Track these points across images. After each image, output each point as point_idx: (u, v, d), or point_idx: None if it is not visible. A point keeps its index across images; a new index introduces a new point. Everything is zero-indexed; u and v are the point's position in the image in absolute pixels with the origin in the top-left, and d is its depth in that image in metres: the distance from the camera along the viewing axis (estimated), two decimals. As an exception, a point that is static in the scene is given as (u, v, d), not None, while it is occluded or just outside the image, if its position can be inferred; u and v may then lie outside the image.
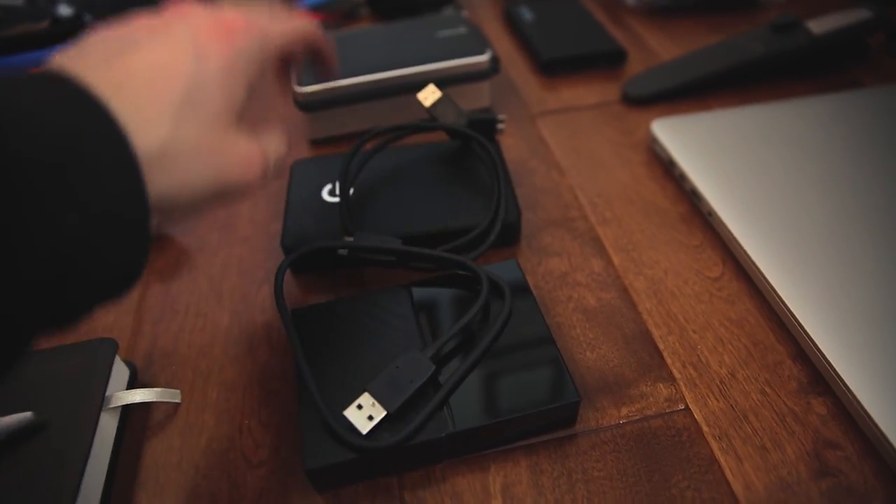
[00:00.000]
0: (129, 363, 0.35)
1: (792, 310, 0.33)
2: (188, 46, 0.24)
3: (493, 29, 0.64)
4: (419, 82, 0.46)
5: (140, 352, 0.36)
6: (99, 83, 0.21)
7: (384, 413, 0.28)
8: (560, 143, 0.48)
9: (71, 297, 0.20)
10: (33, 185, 0.18)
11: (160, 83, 0.23)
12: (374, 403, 0.28)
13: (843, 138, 0.43)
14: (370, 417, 0.27)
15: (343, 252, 0.35)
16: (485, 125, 0.43)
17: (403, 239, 0.36)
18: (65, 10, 0.64)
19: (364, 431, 0.27)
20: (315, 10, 0.69)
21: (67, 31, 0.61)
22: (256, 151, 0.27)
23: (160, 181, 0.22)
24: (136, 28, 0.25)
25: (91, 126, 0.20)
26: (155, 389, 0.32)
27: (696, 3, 0.63)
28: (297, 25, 0.31)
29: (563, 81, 0.55)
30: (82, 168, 0.19)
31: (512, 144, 0.48)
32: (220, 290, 0.39)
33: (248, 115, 0.27)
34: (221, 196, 0.26)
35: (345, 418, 0.28)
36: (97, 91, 0.21)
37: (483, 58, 0.48)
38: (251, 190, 0.27)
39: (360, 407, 0.28)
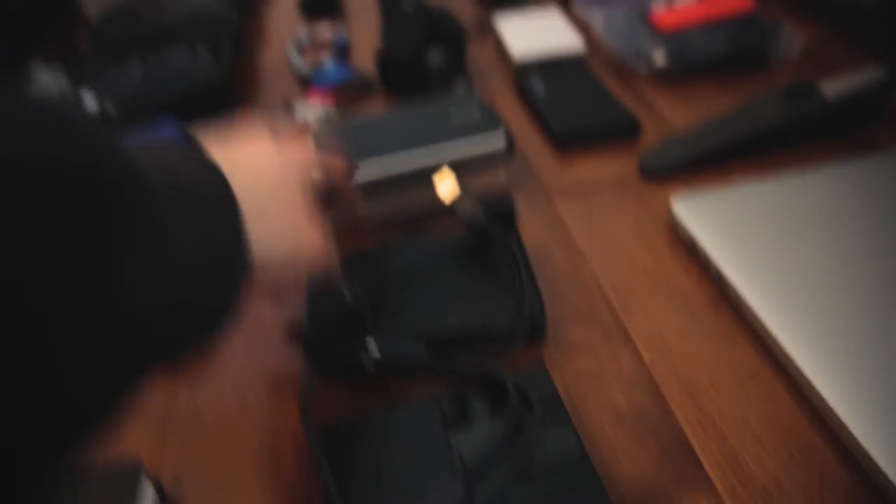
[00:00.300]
0: (155, 483, 0.34)
1: (834, 408, 0.32)
2: (272, 149, 0.33)
3: (506, 100, 0.64)
4: (437, 171, 0.47)
5: (167, 467, 0.36)
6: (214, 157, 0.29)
7: None
8: (579, 224, 0.47)
9: (181, 323, 0.24)
10: (164, 211, 0.23)
11: (257, 166, 0.32)
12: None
13: (870, 208, 0.43)
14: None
15: (369, 363, 0.35)
16: (504, 217, 0.42)
17: (428, 340, 0.36)
18: (88, 101, 0.66)
19: None
20: (331, 88, 0.70)
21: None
22: (323, 237, 0.34)
23: (256, 229, 0.29)
24: (231, 134, 0.33)
25: (210, 178, 0.28)
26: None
27: (706, 67, 0.63)
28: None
29: (579, 155, 0.55)
30: (198, 205, 0.25)
31: (531, 228, 0.48)
32: (246, 399, 0.39)
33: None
34: (298, 261, 0.33)
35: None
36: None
37: (499, 143, 0.48)
38: (321, 265, 0.34)
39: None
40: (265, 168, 0.32)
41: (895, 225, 0.41)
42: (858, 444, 0.30)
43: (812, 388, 0.33)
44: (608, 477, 0.32)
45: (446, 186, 0.42)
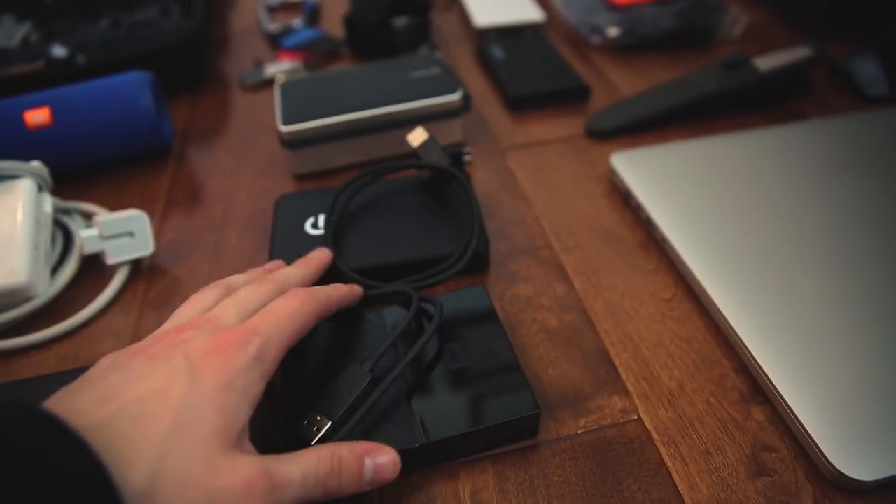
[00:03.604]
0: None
1: (735, 328, 0.36)
2: (183, 370, 0.25)
3: (467, 67, 0.68)
4: (396, 120, 0.50)
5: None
6: (88, 425, 0.22)
7: (329, 423, 0.31)
8: (527, 176, 0.51)
9: None
10: None
11: (148, 417, 0.24)
12: (319, 417, 0.31)
13: (788, 168, 0.47)
14: (317, 430, 0.31)
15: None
16: (453, 158, 0.46)
17: (381, 268, 0.40)
18: (59, 52, 0.67)
19: (312, 441, 0.30)
20: (297, 49, 0.73)
21: (61, 73, 0.64)
22: (258, 473, 0.24)
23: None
24: (135, 357, 0.27)
25: (75, 466, 0.21)
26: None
27: (655, 41, 0.67)
28: (307, 303, 0.31)
29: (532, 117, 0.59)
30: None
31: (483, 177, 0.51)
32: None
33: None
34: None
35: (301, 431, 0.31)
36: (84, 433, 0.22)
37: (455, 97, 0.51)
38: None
39: (308, 422, 0.31)
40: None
41: (809, 181, 0.46)
42: (749, 354, 0.35)
43: (718, 311, 0.38)
44: (536, 380, 0.36)
45: (416, 134, 0.45)
